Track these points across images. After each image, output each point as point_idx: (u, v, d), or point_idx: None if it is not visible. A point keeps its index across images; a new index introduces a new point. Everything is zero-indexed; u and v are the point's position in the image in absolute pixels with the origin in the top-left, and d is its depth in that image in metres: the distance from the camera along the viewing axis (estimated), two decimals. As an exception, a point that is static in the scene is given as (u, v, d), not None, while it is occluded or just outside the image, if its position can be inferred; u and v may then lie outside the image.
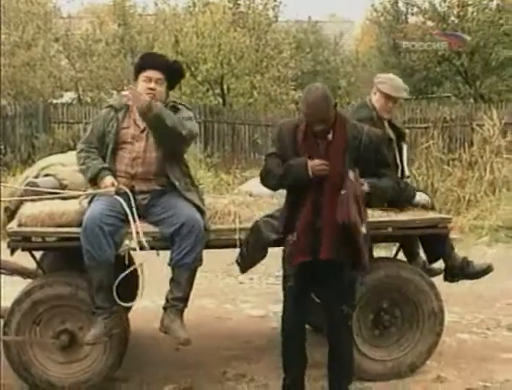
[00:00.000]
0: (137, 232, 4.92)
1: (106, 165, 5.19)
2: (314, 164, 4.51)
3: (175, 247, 4.95)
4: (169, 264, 5.01)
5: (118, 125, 5.22)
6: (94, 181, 5.19)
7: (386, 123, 5.81)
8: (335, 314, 4.76)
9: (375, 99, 5.79)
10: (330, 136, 4.61)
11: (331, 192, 4.52)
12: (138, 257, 4.99)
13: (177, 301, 5.02)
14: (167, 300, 5.06)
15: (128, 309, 5.48)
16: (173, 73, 5.33)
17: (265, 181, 4.83)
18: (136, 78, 5.29)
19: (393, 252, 6.06)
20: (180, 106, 5.33)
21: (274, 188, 4.87)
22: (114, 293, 4.93)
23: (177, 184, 5.15)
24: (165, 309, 5.06)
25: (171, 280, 5.04)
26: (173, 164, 5.20)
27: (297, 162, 4.56)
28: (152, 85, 5.16)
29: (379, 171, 4.78)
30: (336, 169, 4.53)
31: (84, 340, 5.01)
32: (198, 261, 5.02)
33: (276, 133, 4.84)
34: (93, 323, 4.97)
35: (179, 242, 4.93)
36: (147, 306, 6.27)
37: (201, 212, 5.15)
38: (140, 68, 5.24)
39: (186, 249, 4.91)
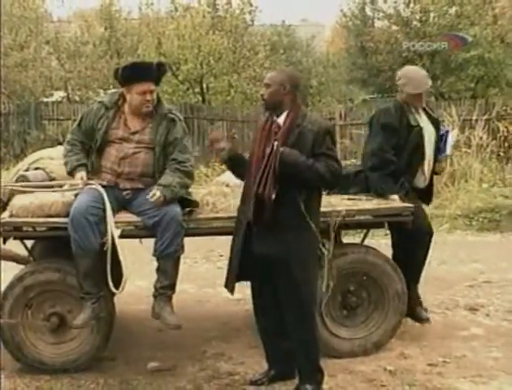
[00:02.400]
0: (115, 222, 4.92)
1: (83, 161, 5.18)
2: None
3: (158, 238, 4.94)
4: (153, 255, 4.99)
5: (108, 124, 5.17)
6: (73, 174, 5.18)
7: (421, 111, 5.88)
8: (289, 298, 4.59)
9: (403, 98, 5.83)
10: (281, 121, 4.56)
11: (262, 167, 4.42)
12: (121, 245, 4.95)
13: (165, 289, 5.01)
14: (155, 288, 5.03)
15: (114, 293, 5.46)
16: (160, 75, 5.30)
17: None
18: (122, 85, 5.20)
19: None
20: (176, 119, 5.25)
21: None
22: (110, 280, 4.92)
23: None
24: (155, 297, 5.03)
25: (158, 270, 5.02)
26: (163, 170, 5.16)
27: None
28: (148, 98, 5.12)
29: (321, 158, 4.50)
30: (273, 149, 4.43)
31: (73, 323, 4.99)
32: (180, 249, 5.00)
33: None
34: (82, 308, 4.94)
35: (160, 233, 4.90)
36: (130, 290, 6.23)
37: (195, 203, 5.16)
38: (131, 80, 5.12)
39: (167, 239, 4.89)
